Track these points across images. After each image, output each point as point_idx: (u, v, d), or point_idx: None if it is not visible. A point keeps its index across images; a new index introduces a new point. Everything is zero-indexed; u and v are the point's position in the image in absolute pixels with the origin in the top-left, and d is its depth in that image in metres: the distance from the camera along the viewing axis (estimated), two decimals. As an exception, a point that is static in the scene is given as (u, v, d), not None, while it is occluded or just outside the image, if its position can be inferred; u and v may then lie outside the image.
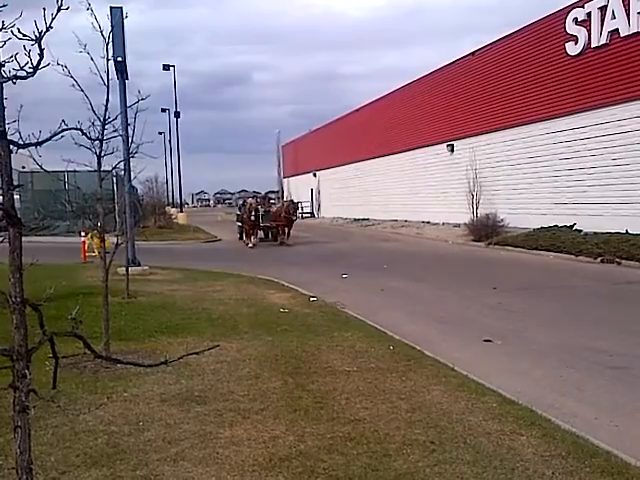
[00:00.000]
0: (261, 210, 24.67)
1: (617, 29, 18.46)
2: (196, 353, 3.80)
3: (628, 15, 17.97)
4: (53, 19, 2.39)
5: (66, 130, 3.18)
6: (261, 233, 26.75)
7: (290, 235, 25.69)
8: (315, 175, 51.61)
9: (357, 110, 42.64)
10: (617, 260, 15.91)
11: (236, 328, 8.29)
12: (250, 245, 23.95)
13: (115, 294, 9.88)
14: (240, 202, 31.44)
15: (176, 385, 5.66)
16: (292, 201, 26.46)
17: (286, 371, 6.15)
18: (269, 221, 25.32)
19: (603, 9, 18.93)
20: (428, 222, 31.13)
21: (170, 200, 57.61)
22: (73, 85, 6.52)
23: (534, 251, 19.06)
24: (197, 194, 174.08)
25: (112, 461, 4.05)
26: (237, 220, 28.65)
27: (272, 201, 31.01)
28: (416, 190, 33.16)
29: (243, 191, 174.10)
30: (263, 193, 32.23)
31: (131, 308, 9.61)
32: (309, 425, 4.65)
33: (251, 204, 24.51)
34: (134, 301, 10.34)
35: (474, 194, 25.31)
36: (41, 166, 5.95)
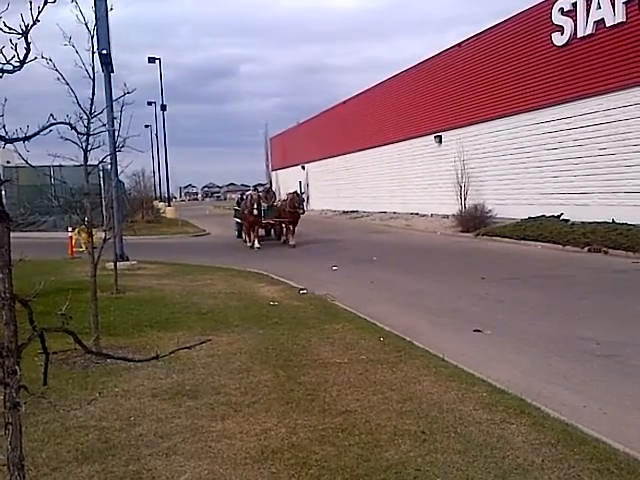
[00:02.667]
0: (264, 205, 21.33)
1: (602, 19, 18.54)
2: (188, 347, 3.79)
3: (613, 5, 18.05)
4: (40, 12, 2.36)
5: (54, 124, 3.15)
6: (261, 231, 22.97)
7: (295, 233, 21.72)
8: (303, 168, 51.55)
9: (345, 102, 42.58)
10: (604, 249, 16.05)
11: (226, 322, 8.28)
12: (257, 246, 20.52)
13: (104, 289, 9.84)
14: (239, 196, 28.03)
15: (167, 379, 5.65)
16: (297, 193, 22.28)
17: (277, 364, 6.16)
18: (272, 217, 22.04)
19: (589, -1, 19.00)
20: (417, 213, 31.21)
21: (158, 194, 57.43)
22: (58, 79, 6.47)
23: (522, 241, 19.19)
24: (185, 188, 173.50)
25: (104, 456, 4.04)
26: (235, 216, 25.77)
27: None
28: (405, 182, 33.22)
29: (231, 184, 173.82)
30: (267, 186, 27.77)
31: (120, 303, 9.57)
32: (301, 417, 4.66)
33: (252, 197, 20.83)
34: (123, 296, 10.29)
35: (462, 185, 25.42)
36: (26, 161, 5.90)
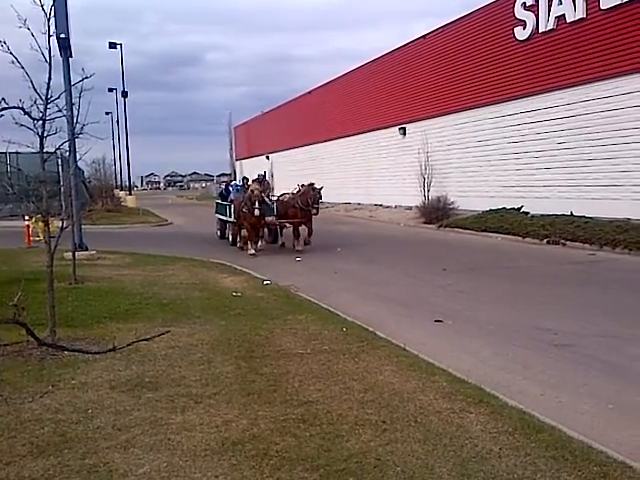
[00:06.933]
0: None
1: (563, 15, 18.86)
2: (146, 339, 3.77)
3: (574, 1, 18.37)
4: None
5: (5, 109, 3.03)
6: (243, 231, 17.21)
7: (312, 234, 16.98)
8: (268, 158, 51.24)
9: (310, 92, 42.40)
10: (562, 241, 16.42)
11: (188, 313, 8.19)
12: (252, 252, 15.86)
13: (61, 279, 9.62)
14: (222, 187, 22.65)
15: (126, 371, 5.54)
16: (313, 186, 16.65)
17: (239, 355, 6.11)
18: (277, 216, 17.28)
19: (550, -5, 19.30)
20: (381, 205, 31.37)
21: (118, 183, 56.38)
22: (13, 62, 6.27)
23: (483, 233, 19.49)
24: (147, 177, 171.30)
25: (59, 450, 3.95)
26: (217, 212, 20.38)
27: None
28: (369, 173, 33.32)
29: (195, 173, 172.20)
30: (260, 174, 19.75)
31: (78, 294, 9.36)
32: (262, 408, 4.64)
33: (254, 191, 15.87)
34: (81, 286, 10.07)
35: (425, 177, 25.62)
36: (-21, 147, 5.70)
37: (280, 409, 4.62)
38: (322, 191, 16.21)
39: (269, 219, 17.08)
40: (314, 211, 16.46)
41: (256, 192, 15.76)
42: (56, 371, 5.55)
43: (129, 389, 5.09)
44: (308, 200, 16.39)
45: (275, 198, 18.06)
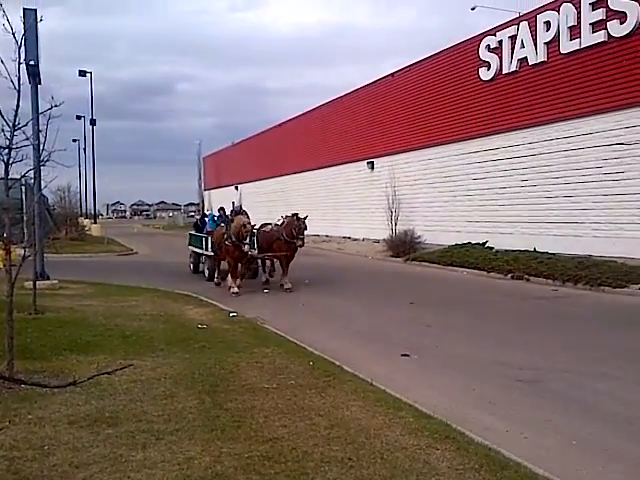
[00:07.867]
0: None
1: (526, 57, 19.58)
2: (107, 373, 3.67)
3: (535, 45, 19.10)
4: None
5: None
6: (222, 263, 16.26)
7: (288, 270, 15.56)
8: (237, 188, 51.22)
9: (280, 125, 42.79)
10: (526, 277, 16.70)
11: (151, 345, 8.01)
12: (235, 291, 14.28)
13: (21, 309, 9.32)
14: (197, 218, 21.61)
15: (85, 406, 5.37)
16: (297, 216, 15.60)
17: (203, 390, 5.99)
18: (260, 250, 15.90)
19: (513, 38, 20.04)
20: (349, 237, 31.55)
21: (83, 211, 55.57)
22: (-21, 88, 6.18)
23: (449, 267, 19.72)
24: (113, 205, 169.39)
25: (12, 490, 3.78)
26: (191, 244, 19.07)
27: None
28: (338, 206, 33.56)
29: (162, 202, 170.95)
30: (237, 205, 19.23)
31: (38, 324, 9.09)
32: (226, 445, 4.53)
33: (245, 225, 14.35)
34: (42, 317, 9.78)
35: (393, 211, 25.90)
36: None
37: (244, 446, 4.52)
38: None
39: (252, 252, 15.51)
40: (299, 242, 15.17)
41: (248, 227, 14.39)
42: (12, 405, 5.34)
43: (88, 424, 4.93)
44: (292, 231, 15.24)
45: (256, 230, 16.26)
